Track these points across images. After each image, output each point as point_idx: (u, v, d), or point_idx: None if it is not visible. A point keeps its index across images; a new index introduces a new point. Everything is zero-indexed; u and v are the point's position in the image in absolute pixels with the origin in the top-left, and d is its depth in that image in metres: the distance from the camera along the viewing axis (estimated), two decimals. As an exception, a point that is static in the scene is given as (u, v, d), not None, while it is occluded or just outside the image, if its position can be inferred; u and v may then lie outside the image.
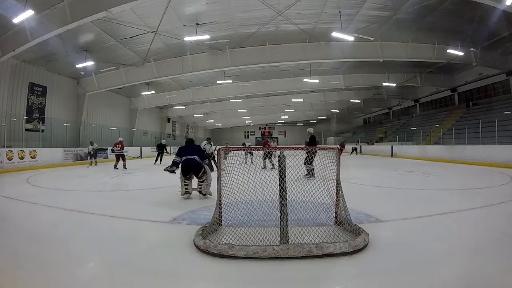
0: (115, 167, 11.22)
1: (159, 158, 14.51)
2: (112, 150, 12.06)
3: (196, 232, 2.91)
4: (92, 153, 13.19)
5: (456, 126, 16.68)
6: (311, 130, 8.35)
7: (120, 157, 11.44)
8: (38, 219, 3.99)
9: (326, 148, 3.17)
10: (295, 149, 3.23)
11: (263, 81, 20.23)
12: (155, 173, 10.08)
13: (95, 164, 13.27)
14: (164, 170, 5.34)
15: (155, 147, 15.72)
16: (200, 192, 5.20)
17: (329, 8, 11.05)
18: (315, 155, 3.43)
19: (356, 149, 25.43)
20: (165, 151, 14.83)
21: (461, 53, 13.19)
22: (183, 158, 5.12)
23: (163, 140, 15.81)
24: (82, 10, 8.80)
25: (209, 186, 5.17)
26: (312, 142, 7.90)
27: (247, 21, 11.83)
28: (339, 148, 22.75)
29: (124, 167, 11.22)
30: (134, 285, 2.11)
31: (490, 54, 14.04)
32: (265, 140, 12.57)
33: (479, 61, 14.16)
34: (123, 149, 11.59)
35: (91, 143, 13.34)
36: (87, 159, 13.75)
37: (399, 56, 13.85)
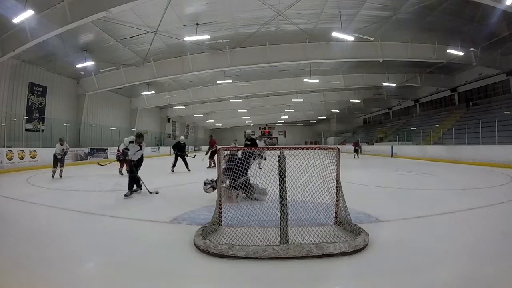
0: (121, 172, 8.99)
1: (176, 162, 10.21)
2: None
3: (196, 232, 2.91)
4: (59, 157, 8.57)
5: (456, 126, 16.67)
6: (249, 134, 9.44)
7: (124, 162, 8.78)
8: (38, 219, 3.99)
9: (326, 148, 3.17)
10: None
11: (263, 81, 20.23)
12: (155, 173, 10.07)
13: (59, 175, 8.52)
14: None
15: (172, 148, 10.64)
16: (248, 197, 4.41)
17: (329, 8, 11.05)
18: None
19: (357, 150, 20.56)
20: (186, 154, 10.46)
21: (461, 53, 13.19)
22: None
23: (181, 138, 11.27)
24: (82, 10, 8.80)
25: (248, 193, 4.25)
26: (254, 144, 8.98)
27: (247, 21, 11.83)
28: (354, 148, 19.83)
29: (121, 172, 9.10)
30: (134, 285, 2.11)
31: (490, 54, 14.03)
32: (212, 139, 12.08)
33: (479, 61, 14.15)
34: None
35: (61, 141, 8.75)
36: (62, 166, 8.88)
37: (399, 56, 13.85)
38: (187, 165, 10.12)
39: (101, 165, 9.73)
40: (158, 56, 14.68)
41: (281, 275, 2.24)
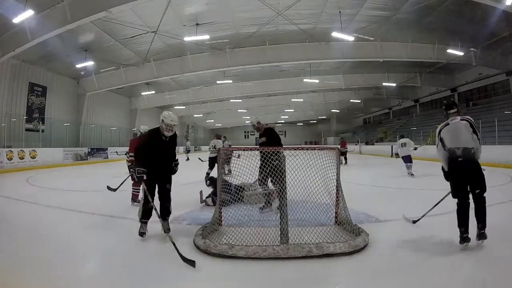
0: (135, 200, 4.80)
1: (154, 195, 3.51)
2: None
3: (196, 232, 2.91)
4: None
5: (456, 126, 16.63)
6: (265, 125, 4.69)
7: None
8: (38, 219, 3.99)
9: (326, 148, 3.18)
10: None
11: (263, 81, 20.22)
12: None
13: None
14: None
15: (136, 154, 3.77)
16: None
17: (329, 8, 11.05)
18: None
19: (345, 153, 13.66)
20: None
21: (461, 53, 13.19)
22: None
23: (169, 115, 3.28)
24: (82, 10, 8.80)
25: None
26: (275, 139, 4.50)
27: (247, 21, 11.83)
28: (341, 149, 16.08)
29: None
30: (134, 285, 2.11)
31: (490, 54, 14.03)
32: None
33: (479, 61, 14.15)
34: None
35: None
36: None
37: (399, 56, 13.86)
38: (166, 200, 3.44)
39: (113, 190, 5.38)
40: (158, 56, 14.67)
41: (281, 275, 2.23)
